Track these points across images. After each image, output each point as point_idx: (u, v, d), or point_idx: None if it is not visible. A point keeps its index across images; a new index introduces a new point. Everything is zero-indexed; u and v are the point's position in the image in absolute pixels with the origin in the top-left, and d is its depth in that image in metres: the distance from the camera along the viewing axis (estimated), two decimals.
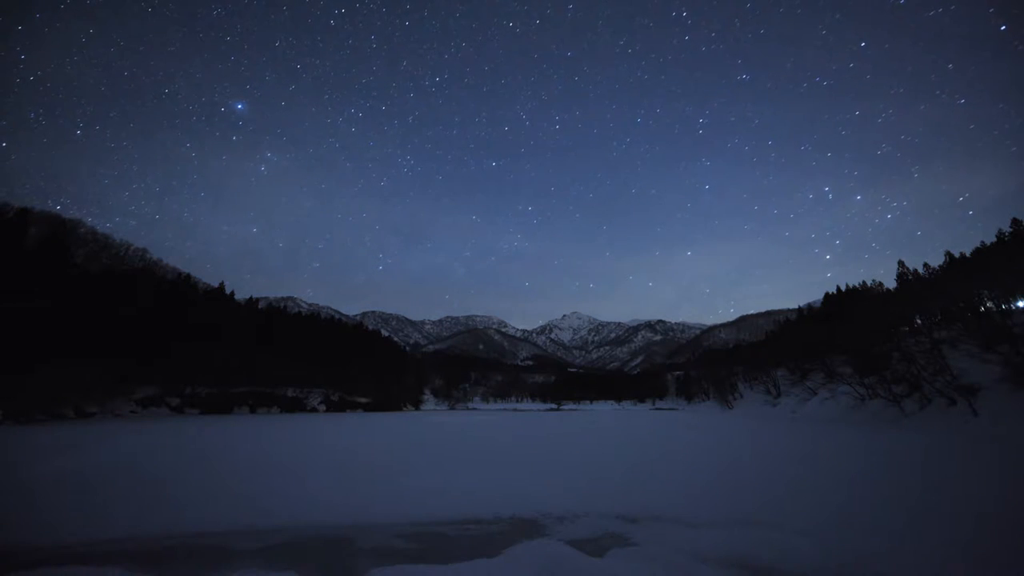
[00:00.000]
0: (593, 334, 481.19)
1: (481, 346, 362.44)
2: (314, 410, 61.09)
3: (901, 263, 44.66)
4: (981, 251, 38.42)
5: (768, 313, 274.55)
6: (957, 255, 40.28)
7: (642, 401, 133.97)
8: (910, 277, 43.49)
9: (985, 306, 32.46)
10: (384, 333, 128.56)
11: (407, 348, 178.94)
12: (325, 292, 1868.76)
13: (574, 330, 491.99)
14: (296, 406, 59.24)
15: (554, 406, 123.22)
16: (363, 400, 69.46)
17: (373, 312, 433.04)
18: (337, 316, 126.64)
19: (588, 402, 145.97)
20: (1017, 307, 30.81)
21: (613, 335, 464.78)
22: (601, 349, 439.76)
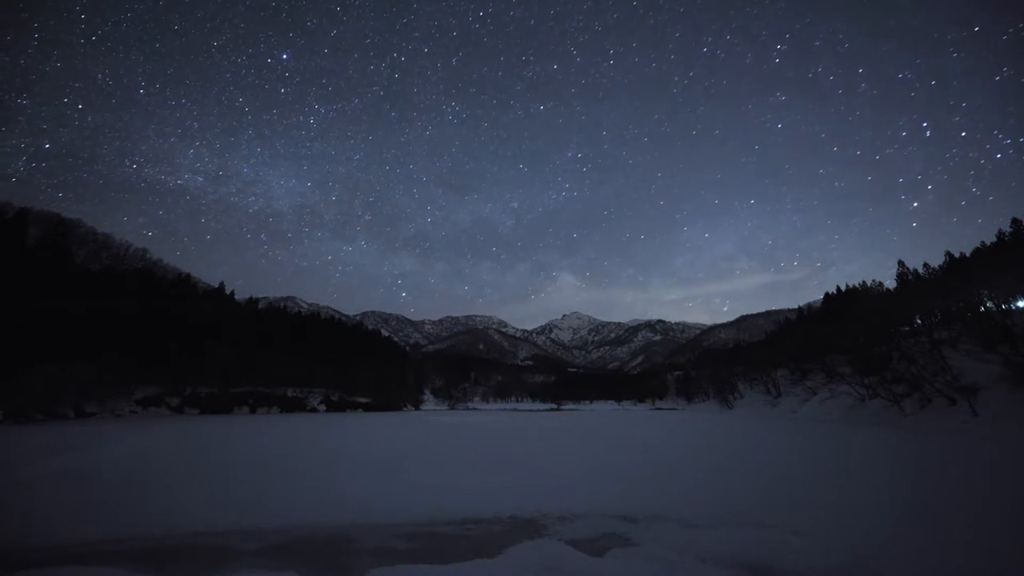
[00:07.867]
0: (593, 334, 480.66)
1: (481, 346, 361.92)
2: (314, 410, 61.05)
3: (901, 263, 45.03)
4: (981, 251, 38.50)
5: (768, 313, 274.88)
6: (957, 255, 40.38)
7: (642, 401, 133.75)
8: (910, 277, 43.65)
9: (985, 306, 32.43)
10: (384, 333, 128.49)
11: (407, 348, 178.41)
12: (378, 245, 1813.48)
13: (574, 330, 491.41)
14: (296, 406, 59.18)
15: (554, 406, 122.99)
16: (363, 400, 69.39)
17: (373, 312, 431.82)
18: (337, 316, 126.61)
19: (588, 402, 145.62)
20: (1017, 307, 30.79)
21: (613, 335, 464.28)
22: (601, 349, 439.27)
